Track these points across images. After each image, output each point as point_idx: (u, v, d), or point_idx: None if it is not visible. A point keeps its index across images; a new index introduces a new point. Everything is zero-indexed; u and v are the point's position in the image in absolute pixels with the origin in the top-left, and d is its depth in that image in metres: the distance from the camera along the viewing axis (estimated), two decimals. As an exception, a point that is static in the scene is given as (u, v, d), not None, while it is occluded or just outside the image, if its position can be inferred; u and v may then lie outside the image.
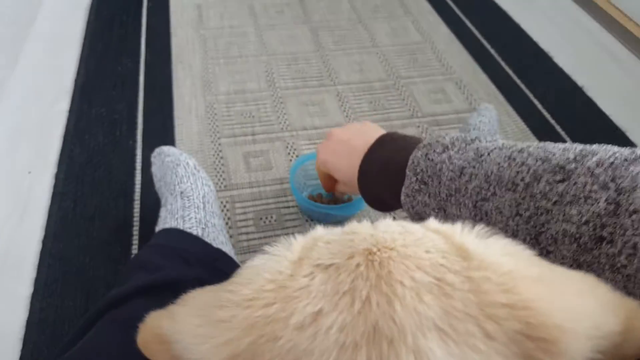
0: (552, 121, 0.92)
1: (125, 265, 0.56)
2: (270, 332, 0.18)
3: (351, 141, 0.48)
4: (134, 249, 0.67)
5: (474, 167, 0.35)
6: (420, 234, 0.21)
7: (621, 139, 0.88)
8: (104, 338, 0.46)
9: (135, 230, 0.70)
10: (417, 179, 0.39)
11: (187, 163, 0.62)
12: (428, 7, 1.22)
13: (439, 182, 0.37)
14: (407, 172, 0.39)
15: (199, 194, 0.60)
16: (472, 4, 1.24)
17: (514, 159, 0.33)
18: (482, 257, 0.19)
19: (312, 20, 1.16)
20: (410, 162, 0.39)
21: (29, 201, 0.73)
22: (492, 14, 1.21)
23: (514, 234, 0.32)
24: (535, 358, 0.16)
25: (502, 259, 0.19)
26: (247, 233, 0.71)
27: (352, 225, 0.23)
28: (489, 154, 0.35)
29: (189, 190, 0.60)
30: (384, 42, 1.10)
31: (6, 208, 0.72)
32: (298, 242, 0.22)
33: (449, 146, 0.38)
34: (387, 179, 0.43)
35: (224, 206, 0.74)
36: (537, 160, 0.32)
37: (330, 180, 0.57)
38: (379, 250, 0.20)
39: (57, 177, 0.76)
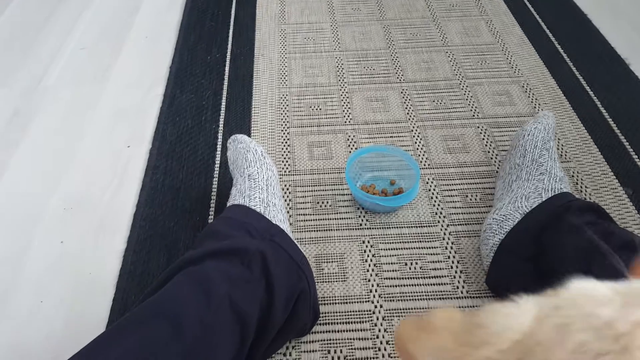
0: (617, 131, 0.91)
1: (201, 232, 0.66)
2: None
3: None
4: (210, 219, 0.79)
5: None
6: None
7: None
8: (180, 289, 0.56)
9: (213, 203, 0.81)
10: None
11: (256, 150, 0.72)
12: (504, 8, 1.22)
13: None
14: None
15: (264, 177, 0.70)
16: (549, 5, 1.22)
17: None
18: None
19: (386, 18, 1.21)
20: None
21: (126, 171, 0.87)
22: (570, 16, 1.19)
23: None
24: None
25: None
26: (304, 214, 0.80)
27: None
28: None
29: (255, 174, 0.70)
30: (454, 42, 1.13)
31: (108, 176, 0.86)
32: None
33: None
34: None
35: (287, 189, 0.83)
36: None
37: None
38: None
39: (151, 152, 0.90)
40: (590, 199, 0.80)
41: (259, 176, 0.70)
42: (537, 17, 1.19)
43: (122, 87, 1.04)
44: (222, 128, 0.94)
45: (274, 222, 0.67)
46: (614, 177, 0.84)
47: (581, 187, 0.83)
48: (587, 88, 1.00)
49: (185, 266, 0.60)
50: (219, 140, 0.92)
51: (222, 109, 0.98)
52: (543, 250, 0.64)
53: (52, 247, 0.76)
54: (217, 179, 0.85)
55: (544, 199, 0.68)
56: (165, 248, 0.75)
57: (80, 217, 0.80)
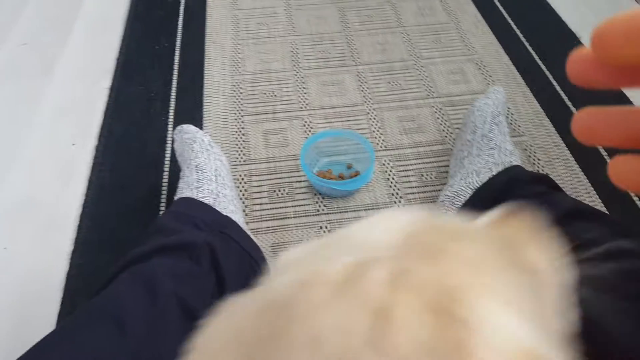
0: (569, 102, 0.92)
1: (147, 228, 0.64)
2: None
3: None
4: (161, 214, 0.76)
5: None
6: None
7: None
8: (124, 288, 0.54)
9: (163, 198, 0.79)
10: None
11: (202, 140, 0.69)
12: (457, -14, 1.21)
13: None
14: None
15: (212, 167, 0.67)
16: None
17: None
18: None
19: (341, 0, 1.19)
20: None
21: (72, 170, 0.83)
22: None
23: None
24: None
25: None
26: (260, 204, 0.78)
27: None
28: None
29: (203, 164, 0.67)
30: (409, 22, 1.12)
31: (53, 175, 0.82)
32: None
33: None
34: None
35: (242, 179, 0.81)
36: None
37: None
38: None
39: (97, 148, 0.86)
40: (543, 171, 0.81)
41: (207, 166, 0.67)
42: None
43: (67, 82, 0.99)
44: (172, 120, 0.91)
45: (224, 214, 0.65)
46: (566, 148, 0.84)
47: (534, 160, 0.83)
48: (540, 63, 1.00)
49: (130, 264, 0.57)
50: (169, 132, 0.88)
51: (172, 100, 0.94)
52: None
53: (-6, 253, 0.72)
54: (167, 173, 0.82)
55: (494, 173, 0.67)
56: (114, 247, 0.72)
57: (24, 220, 0.76)
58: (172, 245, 0.58)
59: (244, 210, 0.76)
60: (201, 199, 0.64)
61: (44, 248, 0.73)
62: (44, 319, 0.66)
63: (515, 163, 0.70)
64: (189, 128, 0.71)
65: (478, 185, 0.67)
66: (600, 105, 0.21)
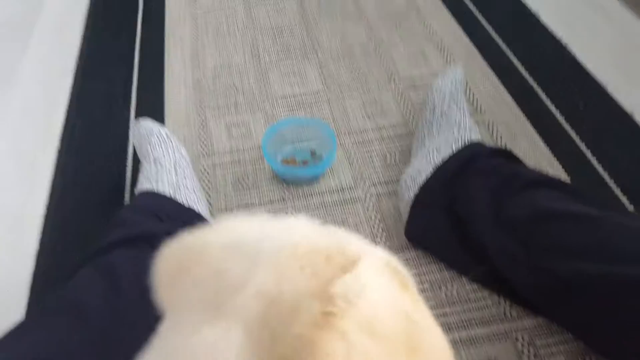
0: (530, 80, 0.93)
1: (108, 223, 0.63)
2: None
3: None
4: (124, 212, 0.76)
5: None
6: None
7: (604, 96, 0.88)
8: (86, 279, 0.54)
9: (127, 194, 0.78)
10: None
11: (160, 132, 0.69)
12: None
13: None
14: None
15: (170, 159, 0.67)
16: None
17: None
18: None
19: (300, -9, 1.19)
20: None
21: (35, 172, 0.82)
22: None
23: None
24: None
25: None
26: (225, 195, 0.78)
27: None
28: None
29: (161, 157, 0.67)
30: (367, 7, 1.13)
31: (16, 178, 0.81)
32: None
33: None
34: None
35: (206, 172, 0.81)
36: None
37: None
38: None
39: (60, 150, 0.85)
40: (507, 146, 0.82)
41: (165, 159, 0.67)
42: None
43: (28, 84, 0.98)
44: (133, 116, 0.90)
45: (186, 205, 0.65)
46: (527, 121, 0.86)
47: (497, 136, 0.84)
48: (499, 41, 1.01)
49: (92, 258, 0.57)
50: (130, 128, 0.88)
51: (132, 96, 0.94)
52: (455, 199, 0.65)
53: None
54: (130, 169, 0.81)
55: (454, 150, 0.69)
56: (80, 246, 0.72)
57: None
58: (133, 236, 0.58)
59: (209, 202, 0.76)
60: (161, 192, 0.64)
61: (9, 250, 0.72)
62: (10, 321, 0.65)
63: (475, 139, 0.71)
64: (145, 122, 0.71)
65: (439, 163, 0.68)
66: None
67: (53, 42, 1.08)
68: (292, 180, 0.78)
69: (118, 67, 1.00)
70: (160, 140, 0.68)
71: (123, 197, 0.78)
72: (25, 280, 0.69)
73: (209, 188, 0.78)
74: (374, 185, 0.78)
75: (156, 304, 0.26)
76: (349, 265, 0.21)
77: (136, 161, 0.82)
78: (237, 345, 0.19)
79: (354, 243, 0.24)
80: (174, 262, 0.25)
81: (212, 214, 0.74)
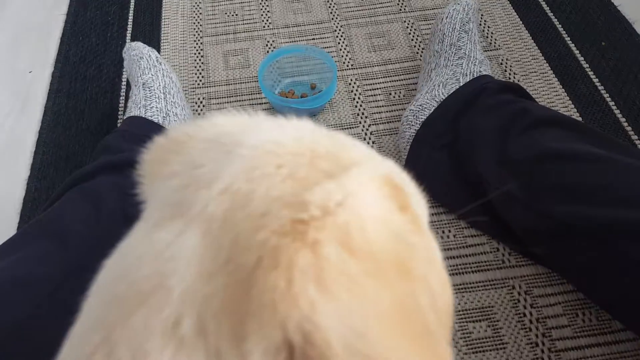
0: (550, 14, 0.86)
1: (95, 149, 0.62)
2: None
3: None
4: (116, 140, 0.74)
5: None
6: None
7: (629, 35, 0.81)
8: (68, 206, 0.53)
9: (119, 122, 0.76)
10: None
11: (150, 56, 0.66)
12: None
13: None
14: None
15: (160, 84, 0.64)
16: None
17: None
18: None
19: None
20: None
21: (28, 97, 0.80)
22: None
23: None
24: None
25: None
26: (220, 126, 0.75)
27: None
28: None
29: (150, 82, 0.64)
30: None
31: (9, 103, 0.79)
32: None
33: None
34: None
35: (201, 102, 0.78)
36: None
37: None
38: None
39: (54, 75, 0.83)
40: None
41: (154, 84, 0.64)
42: None
43: (22, 10, 0.94)
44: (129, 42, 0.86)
45: (175, 133, 0.62)
46: (545, 61, 0.80)
47: (510, 74, 0.79)
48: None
49: (76, 183, 0.56)
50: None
51: (129, 23, 0.89)
52: (458, 137, 0.61)
53: (-51, 183, 0.71)
54: (123, 97, 0.79)
55: (461, 84, 0.64)
56: (71, 172, 0.70)
57: (-21, 149, 0.75)
58: (118, 162, 0.56)
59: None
60: (150, 118, 0.62)
61: (1, 174, 0.71)
62: None
63: (484, 73, 0.66)
64: (136, 45, 0.67)
65: (444, 98, 0.64)
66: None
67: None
68: (289, 115, 0.75)
69: (114, -10, 0.95)
70: (149, 64, 0.65)
71: (116, 124, 0.75)
72: (15, 205, 0.68)
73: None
74: (375, 123, 0.74)
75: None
76: (337, 172, 0.18)
77: (129, 89, 0.80)
78: (189, 251, 0.16)
79: (356, 150, 0.21)
80: (157, 154, 0.23)
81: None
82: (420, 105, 0.66)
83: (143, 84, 0.64)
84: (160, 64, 0.66)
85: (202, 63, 0.83)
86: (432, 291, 0.18)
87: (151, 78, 0.64)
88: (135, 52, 0.66)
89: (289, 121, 0.22)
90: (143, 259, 0.17)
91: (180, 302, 0.15)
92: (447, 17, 0.70)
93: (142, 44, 0.68)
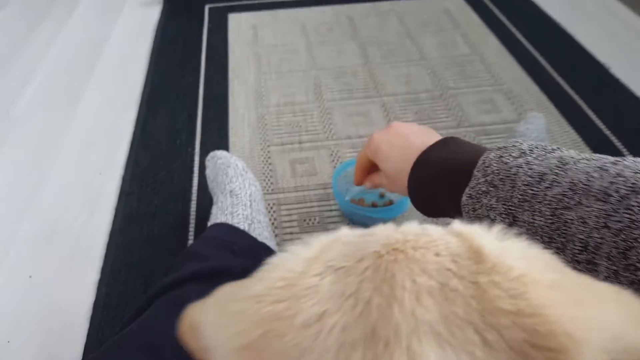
0: (607, 132, 0.90)
1: (180, 255, 0.61)
2: (277, 328, 0.18)
3: (410, 136, 0.47)
4: (189, 243, 0.73)
5: (556, 174, 0.33)
6: (436, 236, 0.21)
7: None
8: (160, 316, 0.51)
9: (192, 227, 0.76)
10: (486, 180, 0.37)
11: (237, 165, 0.67)
12: (477, 20, 1.23)
13: (513, 187, 0.35)
14: (475, 172, 0.38)
15: (246, 192, 0.65)
16: (521, 15, 1.23)
17: (607, 170, 0.31)
18: (495, 261, 0.18)
19: (360, 36, 1.20)
20: (480, 162, 0.38)
21: (98, 199, 0.81)
22: (544, 25, 1.20)
23: (596, 247, 0.30)
24: None
25: (517, 262, 0.18)
26: (291, 233, 0.75)
27: (376, 227, 0.23)
28: (575, 163, 0.33)
29: (238, 189, 0.65)
30: (431, 55, 1.12)
31: (79, 204, 0.80)
32: (318, 242, 0.22)
33: (527, 152, 0.36)
34: (446, 178, 0.41)
35: (271, 208, 0.78)
36: (636, 173, 0.30)
37: (363, 172, 0.58)
38: (387, 253, 0.19)
39: (124, 178, 0.84)
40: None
41: (242, 192, 0.65)
42: (510, 26, 1.19)
43: (93, 114, 0.99)
44: (198, 150, 0.89)
45: (259, 240, 0.62)
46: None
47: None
48: (571, 92, 0.99)
49: (164, 291, 0.54)
50: (195, 162, 0.87)
51: (197, 131, 0.93)
52: None
53: (20, 282, 0.69)
54: (195, 201, 0.80)
55: None
56: (142, 277, 0.69)
57: (50, 249, 0.74)
58: (207, 271, 0.55)
59: (275, 238, 0.73)
60: (236, 225, 0.62)
61: (70, 277, 0.70)
62: (69, 351, 0.62)
63: None
64: (222, 153, 0.70)
65: None
66: None
67: (116, 76, 1.10)
68: (361, 222, 0.75)
69: (182, 104, 1.01)
70: (237, 173, 0.66)
71: (187, 229, 0.75)
72: (85, 310, 0.66)
73: (274, 225, 0.76)
74: (448, 231, 0.74)
75: None
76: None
77: (201, 195, 0.81)
78: None
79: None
80: (252, 338, 0.20)
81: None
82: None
83: (230, 192, 0.64)
84: (247, 172, 0.68)
85: (271, 170, 0.85)
86: None
87: (239, 186, 0.65)
88: (222, 160, 0.68)
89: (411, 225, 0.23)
90: None
91: None
92: (522, 135, 0.72)
93: (227, 152, 0.70)
